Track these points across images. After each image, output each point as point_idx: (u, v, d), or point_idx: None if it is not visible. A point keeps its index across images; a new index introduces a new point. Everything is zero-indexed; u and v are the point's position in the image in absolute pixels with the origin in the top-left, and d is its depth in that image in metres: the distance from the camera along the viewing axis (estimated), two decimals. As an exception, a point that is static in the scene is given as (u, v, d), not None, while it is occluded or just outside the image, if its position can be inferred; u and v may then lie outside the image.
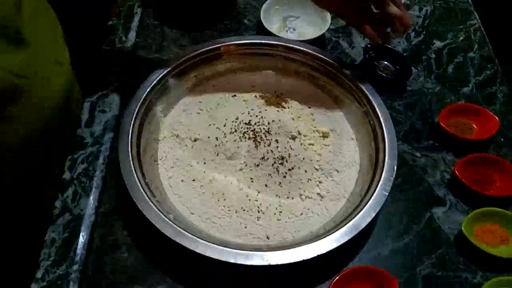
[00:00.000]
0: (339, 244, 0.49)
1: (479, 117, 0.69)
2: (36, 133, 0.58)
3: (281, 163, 0.59)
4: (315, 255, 0.48)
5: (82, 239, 0.53)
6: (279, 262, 0.48)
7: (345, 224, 0.51)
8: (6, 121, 0.52)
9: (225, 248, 0.48)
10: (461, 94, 0.75)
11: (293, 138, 0.61)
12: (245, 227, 0.55)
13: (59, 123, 0.62)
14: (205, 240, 0.49)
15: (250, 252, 0.48)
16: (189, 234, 0.49)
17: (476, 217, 0.58)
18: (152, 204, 0.51)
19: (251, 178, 0.59)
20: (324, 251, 0.49)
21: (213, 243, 0.48)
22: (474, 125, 0.69)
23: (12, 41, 0.49)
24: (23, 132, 0.56)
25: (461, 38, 0.85)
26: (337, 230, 0.50)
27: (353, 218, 0.52)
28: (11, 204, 0.62)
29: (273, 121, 0.61)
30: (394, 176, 0.56)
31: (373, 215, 0.52)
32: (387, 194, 0.54)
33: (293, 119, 0.63)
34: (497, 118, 0.68)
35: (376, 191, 0.54)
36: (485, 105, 0.74)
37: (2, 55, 0.48)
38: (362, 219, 0.51)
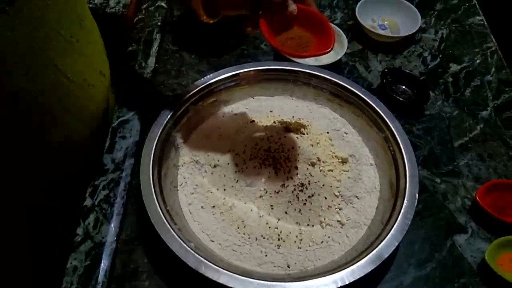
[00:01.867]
0: (361, 275, 0.49)
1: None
2: (77, 136, 0.61)
3: (301, 190, 0.59)
4: (338, 286, 0.48)
5: (103, 266, 0.53)
6: (302, 293, 0.48)
7: (367, 254, 0.51)
8: (52, 121, 0.55)
9: (247, 279, 0.48)
10: (480, 118, 0.75)
11: (313, 164, 0.61)
12: (266, 255, 0.55)
13: (98, 127, 0.64)
14: (227, 270, 0.49)
15: (273, 283, 0.48)
16: (211, 264, 0.49)
17: (500, 245, 0.58)
18: (173, 232, 0.52)
19: (271, 205, 0.59)
20: (346, 282, 0.48)
21: (235, 273, 0.48)
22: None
23: (74, 49, 0.54)
24: (66, 133, 0.58)
25: (477, 61, 0.85)
26: (359, 260, 0.50)
27: (375, 247, 0.51)
28: (37, 220, 0.64)
29: (292, 147, 0.61)
30: (415, 204, 0.55)
31: (396, 244, 0.52)
32: (409, 223, 0.53)
33: (312, 145, 0.63)
34: None
35: (398, 219, 0.53)
36: (504, 129, 0.73)
37: (63, 59, 0.52)
38: (384, 248, 0.51)
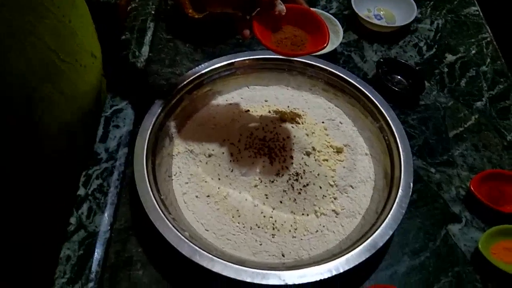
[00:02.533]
0: (356, 263, 0.49)
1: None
2: (68, 117, 0.60)
3: (296, 179, 0.59)
4: (332, 275, 0.48)
5: (97, 256, 0.53)
6: (296, 282, 0.47)
7: (362, 243, 0.51)
8: (45, 102, 0.54)
9: (241, 267, 0.48)
10: (475, 108, 0.75)
11: (308, 154, 0.60)
12: (260, 244, 0.55)
13: (90, 110, 0.64)
14: (221, 259, 0.48)
15: (267, 272, 0.48)
16: (205, 253, 0.49)
17: (493, 234, 0.58)
18: (167, 222, 0.51)
19: (266, 195, 0.58)
20: (341, 271, 0.48)
21: (229, 262, 0.48)
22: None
23: (66, 29, 0.54)
24: (56, 113, 0.58)
25: (473, 51, 0.85)
26: (354, 249, 0.50)
27: (369, 236, 0.51)
28: (29, 207, 0.63)
29: (287, 137, 0.61)
30: (410, 193, 0.55)
31: (390, 233, 0.52)
32: (403, 212, 0.54)
33: (307, 135, 0.62)
34: None
35: (393, 209, 0.54)
36: (499, 119, 0.74)
37: (55, 37, 0.51)
38: (379, 238, 0.51)
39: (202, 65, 0.68)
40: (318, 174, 0.59)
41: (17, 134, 0.55)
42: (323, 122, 0.67)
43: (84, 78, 0.60)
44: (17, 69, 0.49)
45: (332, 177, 0.61)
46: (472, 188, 0.62)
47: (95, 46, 0.64)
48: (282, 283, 0.47)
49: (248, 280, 0.47)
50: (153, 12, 0.81)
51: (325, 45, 0.52)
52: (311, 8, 0.56)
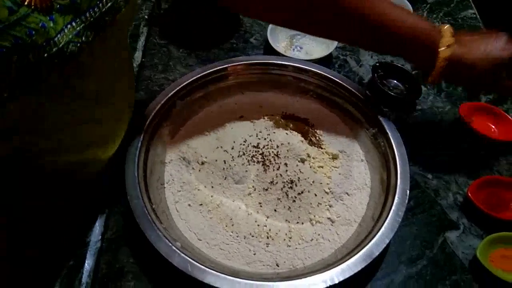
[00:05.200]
0: (352, 273, 0.48)
1: None
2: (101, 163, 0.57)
3: (291, 187, 0.58)
4: (327, 285, 0.47)
5: (88, 266, 0.52)
6: (290, 293, 0.46)
7: (357, 252, 0.49)
8: (82, 167, 0.52)
9: (234, 279, 0.47)
10: (472, 113, 0.74)
11: (302, 161, 0.59)
12: (254, 254, 0.54)
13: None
14: (213, 270, 0.47)
15: (261, 283, 0.47)
16: (197, 264, 0.48)
17: (491, 242, 0.57)
18: (158, 232, 0.50)
19: (260, 203, 0.57)
20: (336, 282, 0.47)
21: (222, 273, 0.47)
22: None
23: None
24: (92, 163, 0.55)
25: (470, 55, 0.83)
26: (349, 258, 0.49)
27: (365, 245, 0.50)
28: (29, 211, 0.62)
29: (282, 144, 0.60)
30: (406, 201, 0.54)
31: (387, 241, 0.51)
32: (400, 220, 0.52)
33: (302, 141, 0.61)
34: None
35: (389, 217, 0.52)
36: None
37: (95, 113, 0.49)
38: (375, 246, 0.50)
39: (196, 70, 0.67)
40: (313, 182, 0.58)
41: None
42: (318, 128, 0.66)
43: (122, 132, 0.57)
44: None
45: (328, 184, 0.60)
46: (469, 195, 0.61)
47: (132, 98, 0.61)
48: (275, 294, 0.46)
49: (241, 291, 0.46)
50: (146, 17, 0.81)
51: None
52: None
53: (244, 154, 0.60)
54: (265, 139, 0.61)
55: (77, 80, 0.43)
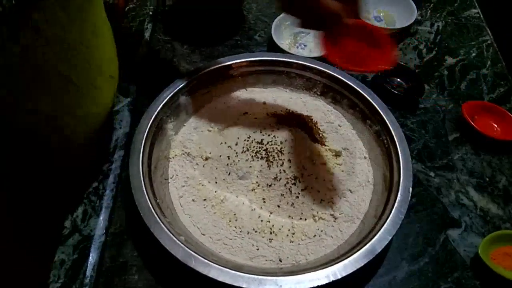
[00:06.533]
0: (354, 269, 0.48)
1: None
2: (80, 136, 0.58)
3: (294, 183, 0.58)
4: (330, 280, 0.47)
5: (92, 260, 0.52)
6: (293, 288, 0.47)
7: (360, 248, 0.50)
8: (54, 120, 0.52)
9: (237, 273, 0.47)
10: (475, 112, 0.74)
11: (306, 157, 0.60)
12: (257, 249, 0.54)
13: (101, 128, 0.61)
14: (217, 264, 0.48)
15: (264, 277, 0.47)
16: (201, 258, 0.48)
17: (493, 240, 0.57)
18: (163, 225, 0.50)
19: (263, 199, 0.58)
20: (339, 277, 0.48)
21: (225, 267, 0.47)
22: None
23: (82, 56, 0.51)
24: (68, 133, 0.55)
25: (473, 54, 0.84)
26: (352, 254, 0.49)
27: (368, 241, 0.50)
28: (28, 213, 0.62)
29: (285, 140, 0.60)
30: (409, 198, 0.55)
31: (389, 238, 0.51)
32: (402, 217, 0.53)
33: (305, 138, 0.62)
34: None
35: (392, 214, 0.53)
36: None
37: (69, 64, 0.49)
38: (377, 243, 0.50)
39: (200, 66, 0.67)
40: (316, 178, 0.59)
41: (22, 148, 0.53)
42: (321, 126, 0.66)
43: (98, 100, 0.58)
44: (31, 96, 0.47)
45: (331, 181, 0.60)
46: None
47: (113, 69, 0.62)
48: (278, 289, 0.47)
49: (244, 286, 0.46)
50: (150, 13, 0.81)
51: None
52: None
53: (248, 150, 0.60)
54: (269, 135, 0.61)
55: (39, 48, 0.43)
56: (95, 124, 0.59)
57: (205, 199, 0.58)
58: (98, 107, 0.57)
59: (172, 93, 0.63)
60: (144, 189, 0.54)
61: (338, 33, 0.52)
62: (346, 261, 0.49)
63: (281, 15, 0.80)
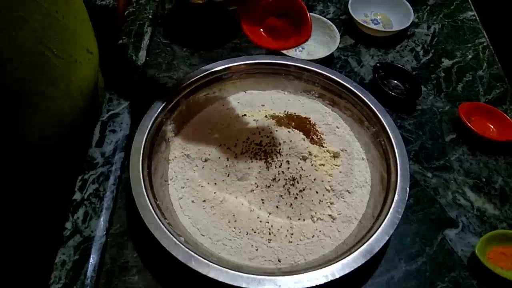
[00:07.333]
0: (352, 269, 0.49)
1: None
2: (65, 113, 0.59)
3: (292, 184, 0.58)
4: (328, 280, 0.48)
5: (92, 261, 0.53)
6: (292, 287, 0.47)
7: (357, 248, 0.50)
8: (38, 95, 0.54)
9: (237, 273, 0.48)
10: (471, 113, 0.75)
11: (304, 159, 0.60)
12: (256, 250, 0.55)
13: (86, 106, 0.63)
14: (217, 264, 0.48)
15: (263, 277, 0.48)
16: (201, 258, 0.48)
17: (490, 239, 0.58)
18: (163, 227, 0.51)
19: (262, 200, 0.58)
20: (337, 276, 0.48)
21: (225, 268, 0.48)
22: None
23: (59, 24, 0.53)
24: (55, 111, 0.57)
25: (469, 56, 0.85)
26: (350, 254, 0.50)
27: (366, 242, 0.51)
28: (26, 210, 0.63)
29: (284, 142, 0.61)
30: (406, 198, 0.55)
31: (387, 238, 0.52)
32: (400, 217, 0.53)
33: (303, 139, 0.62)
34: None
35: (389, 214, 0.53)
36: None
37: (48, 32, 0.51)
38: (375, 243, 0.51)
39: (199, 69, 0.68)
40: (314, 179, 0.59)
41: (8, 125, 0.54)
42: (320, 127, 0.67)
43: (80, 74, 0.59)
44: (12, 64, 0.48)
45: (329, 182, 0.61)
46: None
47: (91, 43, 0.63)
48: (277, 288, 0.47)
49: (244, 286, 0.47)
50: (150, 16, 0.82)
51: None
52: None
53: (247, 151, 0.61)
54: (267, 137, 0.61)
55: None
56: (78, 100, 0.60)
57: (204, 200, 0.59)
58: (79, 81, 0.59)
59: (171, 96, 0.64)
60: (144, 190, 0.54)
61: (256, 8, 0.51)
62: (344, 261, 0.49)
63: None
